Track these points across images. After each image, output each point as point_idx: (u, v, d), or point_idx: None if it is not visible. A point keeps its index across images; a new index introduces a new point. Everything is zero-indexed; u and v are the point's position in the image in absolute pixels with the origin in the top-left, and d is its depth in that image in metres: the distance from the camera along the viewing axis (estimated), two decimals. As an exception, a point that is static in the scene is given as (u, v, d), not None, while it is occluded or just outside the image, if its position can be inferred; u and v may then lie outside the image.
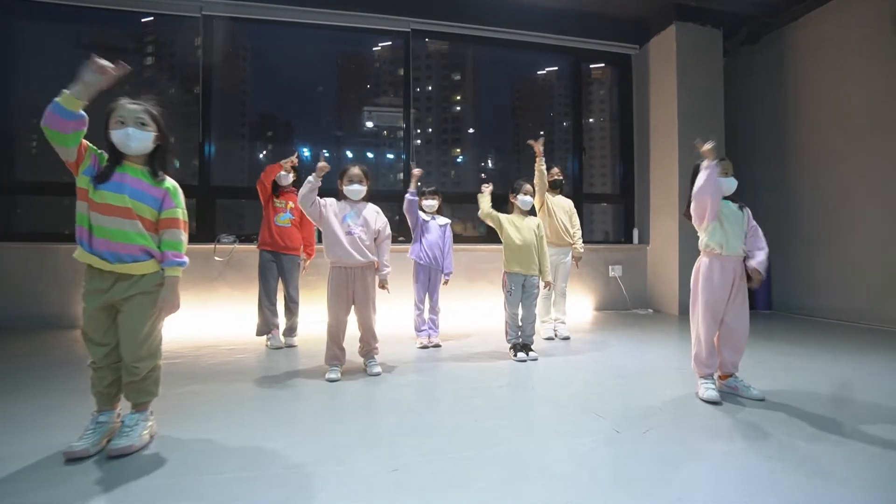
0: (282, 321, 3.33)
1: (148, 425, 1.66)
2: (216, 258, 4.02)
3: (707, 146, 2.02)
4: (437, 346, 3.29)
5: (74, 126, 1.46)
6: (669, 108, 4.87)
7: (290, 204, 3.26)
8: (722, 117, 4.93)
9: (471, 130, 6.18)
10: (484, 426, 1.82)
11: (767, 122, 5.19)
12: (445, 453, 1.57)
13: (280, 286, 3.32)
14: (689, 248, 4.75)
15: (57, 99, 1.42)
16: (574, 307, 4.98)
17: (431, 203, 3.34)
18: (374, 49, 5.34)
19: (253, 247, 3.50)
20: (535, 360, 2.89)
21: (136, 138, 1.58)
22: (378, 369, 2.58)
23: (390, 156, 5.56)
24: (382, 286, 2.66)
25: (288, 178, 3.27)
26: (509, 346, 2.98)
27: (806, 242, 4.77)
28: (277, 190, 3.26)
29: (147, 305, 1.62)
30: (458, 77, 5.99)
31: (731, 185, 2.15)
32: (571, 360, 2.93)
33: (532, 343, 3.00)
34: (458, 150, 6.13)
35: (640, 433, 1.75)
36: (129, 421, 1.62)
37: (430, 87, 5.87)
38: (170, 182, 1.69)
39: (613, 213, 5.76)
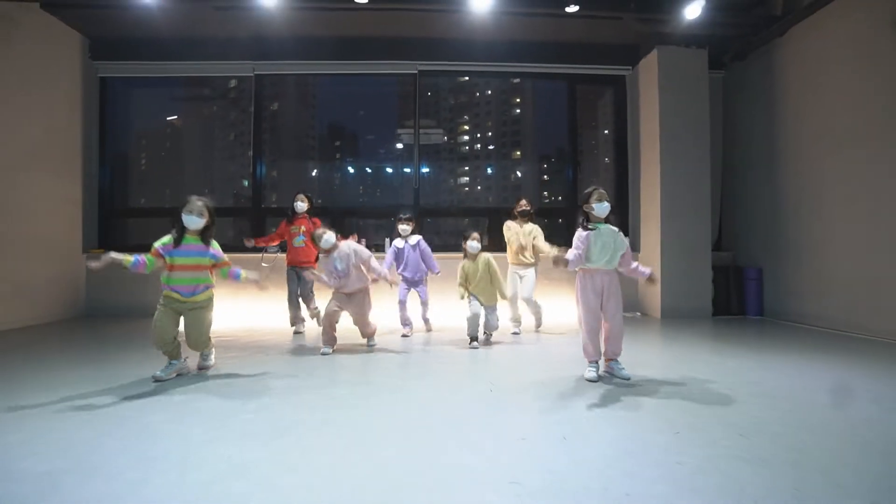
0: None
1: (212, 356, 2.90)
2: (263, 264, 5.18)
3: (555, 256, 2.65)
4: (430, 328, 4.34)
5: (143, 270, 2.60)
6: (653, 124, 5.25)
7: (303, 227, 4.23)
8: (707, 132, 5.19)
9: (491, 147, 7.05)
10: (399, 384, 2.61)
11: (757, 135, 5.34)
12: (338, 399, 2.36)
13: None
14: (671, 255, 5.10)
15: (127, 265, 2.56)
16: (569, 311, 5.53)
17: (405, 227, 4.11)
18: (396, 85, 6.36)
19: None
20: (476, 348, 3.60)
21: (195, 222, 2.68)
22: (374, 342, 3.67)
23: (425, 169, 6.52)
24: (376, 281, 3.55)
25: (303, 207, 4.26)
26: (469, 337, 3.72)
27: (792, 251, 4.89)
28: (293, 217, 4.27)
29: (202, 316, 2.75)
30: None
31: (603, 209, 2.70)
32: (518, 350, 3.60)
33: (490, 336, 3.80)
34: (519, 154, 7.43)
35: (509, 394, 2.42)
36: (205, 354, 2.85)
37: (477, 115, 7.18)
38: (212, 242, 2.78)
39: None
